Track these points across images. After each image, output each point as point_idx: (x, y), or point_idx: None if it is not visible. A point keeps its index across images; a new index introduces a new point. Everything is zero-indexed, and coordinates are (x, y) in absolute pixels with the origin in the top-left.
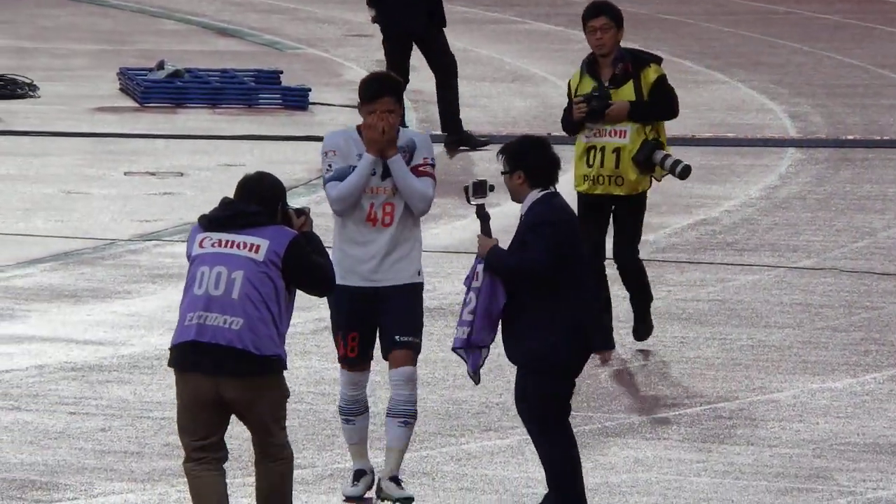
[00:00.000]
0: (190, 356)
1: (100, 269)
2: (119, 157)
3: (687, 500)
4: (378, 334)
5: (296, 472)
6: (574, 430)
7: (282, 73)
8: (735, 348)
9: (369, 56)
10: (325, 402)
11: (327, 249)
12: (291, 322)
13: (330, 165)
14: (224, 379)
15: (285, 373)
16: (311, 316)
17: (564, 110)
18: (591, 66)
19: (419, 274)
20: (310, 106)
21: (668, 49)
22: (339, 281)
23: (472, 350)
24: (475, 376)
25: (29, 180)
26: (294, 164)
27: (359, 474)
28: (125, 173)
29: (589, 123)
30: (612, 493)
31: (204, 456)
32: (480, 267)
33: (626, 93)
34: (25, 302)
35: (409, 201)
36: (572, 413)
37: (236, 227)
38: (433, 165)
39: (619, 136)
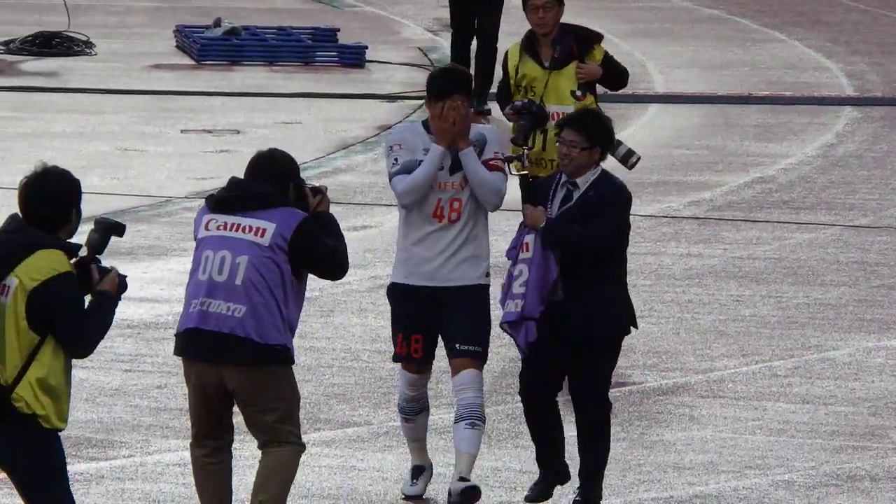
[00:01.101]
0: (192, 344)
1: (156, 227)
2: (175, 114)
3: (742, 458)
4: (441, 336)
5: (351, 430)
6: (629, 389)
7: (338, 30)
8: (791, 306)
9: (426, 14)
10: (380, 360)
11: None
12: (347, 280)
13: (396, 160)
14: (227, 367)
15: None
16: (366, 273)
17: (500, 85)
18: (530, 45)
19: (487, 276)
20: (366, 64)
21: (725, 8)
22: (402, 280)
23: (523, 323)
24: (527, 349)
25: (85, 138)
26: (351, 122)
27: (417, 471)
28: (181, 131)
29: (515, 143)
30: (668, 450)
31: (210, 444)
32: (529, 237)
33: (569, 75)
34: None
35: (481, 195)
36: (629, 371)
37: (243, 209)
38: (504, 160)
39: None
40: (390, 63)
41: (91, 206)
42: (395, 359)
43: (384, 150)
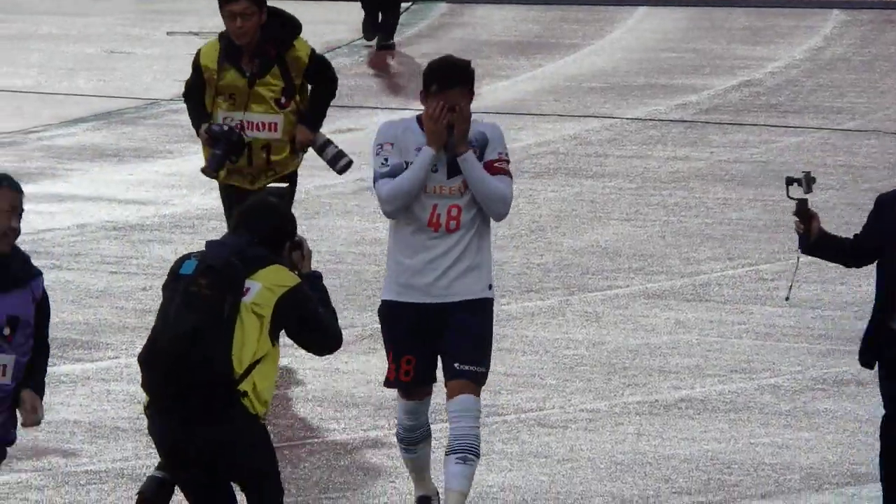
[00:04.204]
0: None
1: (141, 129)
2: (162, 16)
3: (728, 362)
4: (440, 355)
5: None
6: (614, 293)
7: None
8: (778, 210)
9: None
10: (365, 263)
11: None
12: (333, 182)
13: (385, 160)
14: None
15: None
16: (352, 176)
17: (188, 83)
18: (231, 52)
19: (490, 288)
20: None
21: None
22: (393, 297)
23: None
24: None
25: (71, 39)
26: (335, 25)
27: (422, 502)
28: (168, 33)
29: (206, 172)
30: (653, 354)
31: None
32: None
33: (274, 81)
34: (67, 161)
35: (486, 205)
36: (614, 274)
37: None
38: (508, 161)
39: (270, 130)
40: None
41: (77, 109)
42: (386, 384)
43: (372, 147)
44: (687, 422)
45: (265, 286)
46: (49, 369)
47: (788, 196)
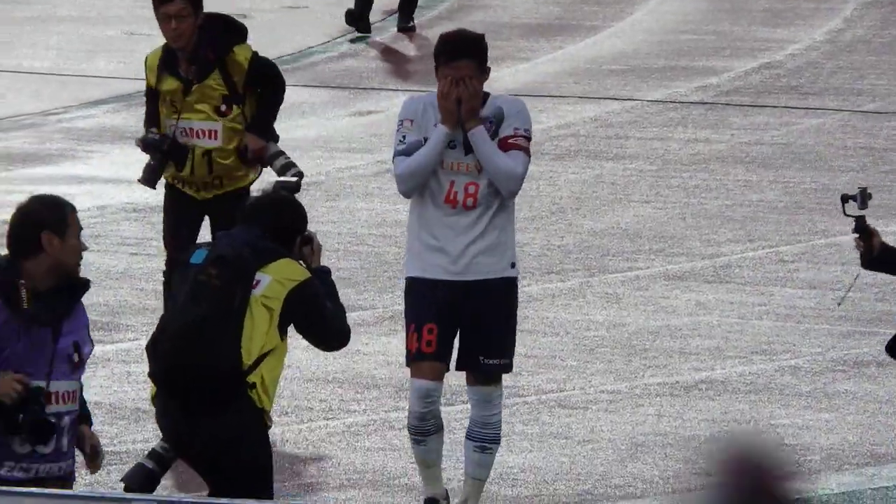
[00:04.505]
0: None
1: None
2: None
3: (748, 343)
4: (458, 338)
5: (356, 314)
6: (635, 274)
7: None
8: (798, 192)
9: None
10: (386, 245)
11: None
12: (353, 164)
13: (403, 137)
14: None
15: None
16: (372, 158)
17: (146, 91)
18: (170, 57)
19: (512, 266)
20: None
21: None
22: (418, 274)
23: None
24: None
25: (91, 21)
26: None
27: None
28: None
29: (144, 183)
30: (674, 336)
31: None
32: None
33: (215, 86)
34: (87, 143)
35: (495, 181)
36: (635, 256)
37: None
38: (528, 137)
39: (209, 137)
40: None
41: (96, 91)
42: (407, 360)
43: (397, 123)
44: (707, 403)
45: (276, 279)
46: None
47: (845, 214)
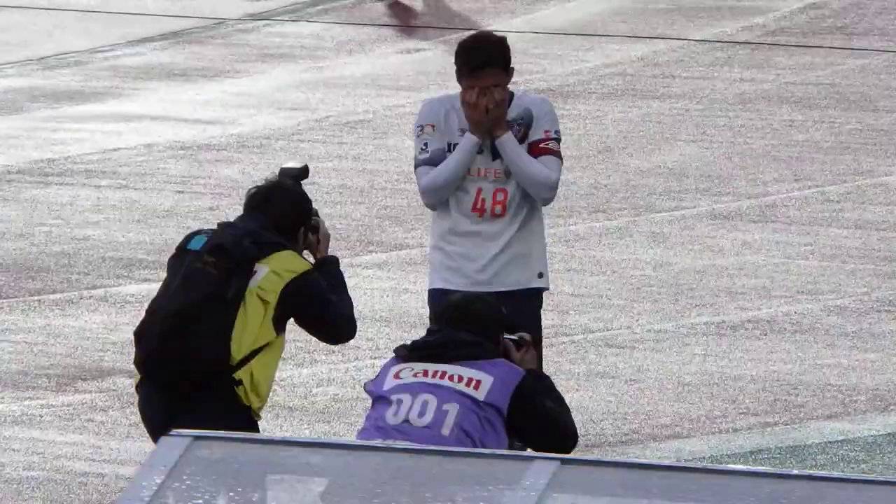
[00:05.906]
0: None
1: (209, 48)
2: None
3: (794, 283)
4: None
5: (404, 252)
6: (681, 214)
7: None
8: (844, 132)
9: None
10: None
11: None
12: (401, 102)
13: (425, 145)
14: None
15: None
16: (420, 96)
17: None
18: None
19: (541, 277)
20: None
21: None
22: (440, 285)
23: None
24: None
25: None
26: None
27: None
28: None
29: None
30: (720, 275)
31: None
32: None
33: None
34: (134, 81)
35: (529, 189)
36: (681, 195)
37: (447, 359)
38: (558, 140)
39: None
40: None
41: (144, 28)
42: None
43: (414, 127)
44: (753, 343)
45: (273, 270)
46: (115, 289)
47: None
